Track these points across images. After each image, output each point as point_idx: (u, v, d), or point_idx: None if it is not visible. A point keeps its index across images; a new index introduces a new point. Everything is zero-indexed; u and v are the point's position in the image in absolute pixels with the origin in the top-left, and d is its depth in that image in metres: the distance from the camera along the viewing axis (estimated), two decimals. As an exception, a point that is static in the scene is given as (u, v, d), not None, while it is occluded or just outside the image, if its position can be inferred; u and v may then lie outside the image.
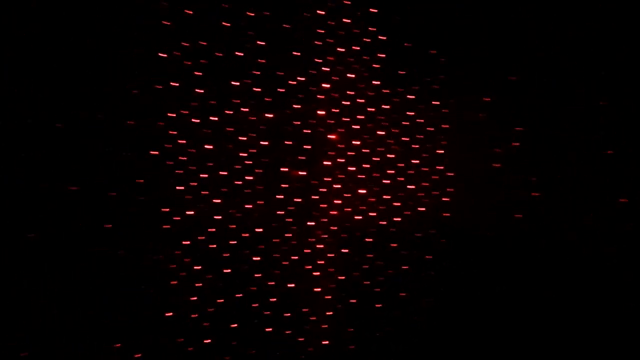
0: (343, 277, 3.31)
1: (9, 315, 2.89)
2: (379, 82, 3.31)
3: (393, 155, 3.36)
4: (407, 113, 3.37)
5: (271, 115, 3.22)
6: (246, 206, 3.19)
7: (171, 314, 3.11)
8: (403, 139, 3.37)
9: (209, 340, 3.14)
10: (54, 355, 2.93)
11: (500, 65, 3.35)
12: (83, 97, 2.95)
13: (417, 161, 3.39)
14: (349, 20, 3.27)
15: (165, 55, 3.06)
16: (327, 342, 3.28)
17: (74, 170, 2.95)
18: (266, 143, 3.21)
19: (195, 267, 3.15)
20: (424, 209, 3.39)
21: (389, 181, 3.37)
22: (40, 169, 2.91)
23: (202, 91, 3.13)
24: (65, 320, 2.97)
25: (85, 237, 2.99)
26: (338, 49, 3.28)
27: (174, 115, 3.11)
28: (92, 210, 3.00)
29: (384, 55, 3.32)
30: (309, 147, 3.25)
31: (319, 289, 3.28)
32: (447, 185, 3.41)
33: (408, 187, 3.38)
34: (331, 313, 3.29)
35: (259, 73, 3.18)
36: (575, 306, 3.24)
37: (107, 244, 3.02)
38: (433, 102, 3.40)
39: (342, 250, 3.30)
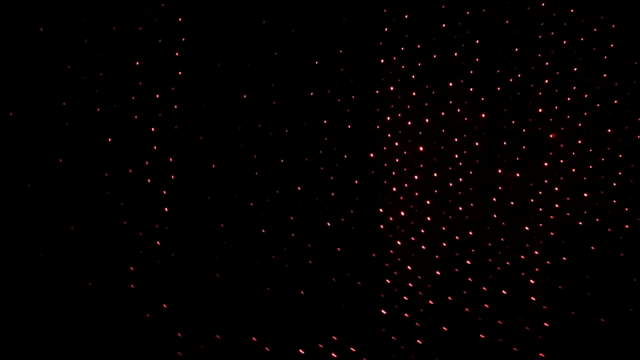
0: (561, 287, 3.07)
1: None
2: (606, 75, 3.00)
3: (622, 155, 3.02)
4: (643, 108, 3.01)
5: (485, 115, 3.12)
6: (458, 208, 3.14)
7: (385, 312, 3.19)
8: (637, 136, 3.01)
9: (420, 342, 3.15)
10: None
11: None
12: (309, 103, 3.19)
13: (653, 161, 3.00)
14: (573, 10, 3.03)
15: (382, 61, 3.16)
16: (542, 355, 3.07)
17: (300, 172, 3.20)
18: (479, 144, 3.12)
19: (407, 267, 3.19)
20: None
21: (616, 184, 3.03)
22: (269, 168, 3.20)
23: (415, 93, 3.16)
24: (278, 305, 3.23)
25: (308, 233, 3.22)
26: (562, 41, 3.06)
27: (389, 118, 3.19)
28: (313, 208, 3.22)
29: (613, 45, 3.00)
30: (525, 147, 3.08)
31: (535, 298, 3.09)
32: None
33: (641, 190, 3.02)
34: (548, 325, 3.07)
35: (472, 72, 3.11)
36: None
37: (327, 241, 3.21)
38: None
39: (562, 258, 3.06)
